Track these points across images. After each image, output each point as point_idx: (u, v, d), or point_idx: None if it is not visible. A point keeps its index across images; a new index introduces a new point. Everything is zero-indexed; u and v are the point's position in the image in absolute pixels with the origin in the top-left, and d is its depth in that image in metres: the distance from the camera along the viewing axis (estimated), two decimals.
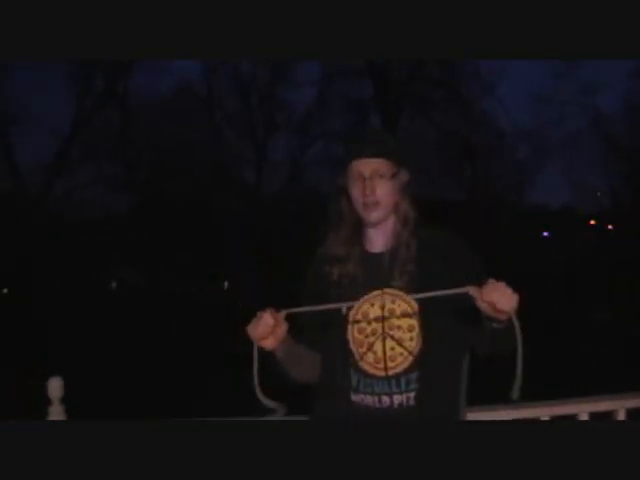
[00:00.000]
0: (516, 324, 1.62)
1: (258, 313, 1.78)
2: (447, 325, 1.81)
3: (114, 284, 25.09)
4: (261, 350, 1.78)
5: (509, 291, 1.62)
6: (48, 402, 2.55)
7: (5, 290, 19.84)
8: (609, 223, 25.21)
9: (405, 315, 1.84)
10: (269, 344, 1.79)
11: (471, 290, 1.64)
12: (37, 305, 16.77)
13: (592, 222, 26.37)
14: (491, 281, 1.64)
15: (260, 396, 1.75)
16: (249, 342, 1.77)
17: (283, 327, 1.79)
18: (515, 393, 1.63)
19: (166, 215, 20.67)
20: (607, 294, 18.84)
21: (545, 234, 25.88)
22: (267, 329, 1.76)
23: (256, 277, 20.30)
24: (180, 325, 15.60)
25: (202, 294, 23.19)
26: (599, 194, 24.54)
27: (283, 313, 1.78)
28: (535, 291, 17.96)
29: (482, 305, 1.64)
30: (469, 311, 1.69)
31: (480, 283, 1.69)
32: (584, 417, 2.71)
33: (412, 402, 1.82)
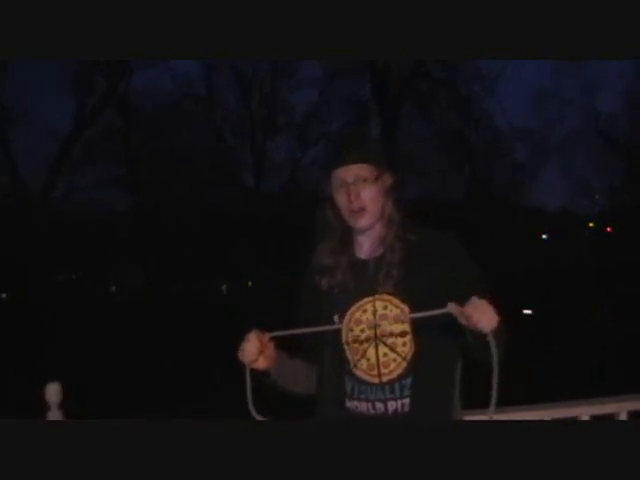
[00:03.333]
0: (492, 344, 1.58)
1: (245, 336, 1.79)
2: (440, 329, 1.78)
3: (114, 287, 25.06)
4: (254, 371, 1.80)
5: (490, 311, 1.60)
6: (46, 407, 2.54)
7: (4, 294, 19.80)
8: (608, 224, 25.19)
9: (397, 320, 1.82)
10: (261, 365, 1.82)
11: (453, 309, 1.62)
12: (36, 308, 16.74)
13: (591, 224, 26.34)
14: (474, 299, 1.61)
15: (255, 416, 1.76)
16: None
17: (270, 347, 1.82)
18: (491, 410, 1.61)
19: (166, 215, 20.68)
20: (607, 296, 18.83)
21: (544, 236, 25.86)
22: (255, 351, 1.79)
23: (255, 278, 20.32)
24: (180, 327, 15.58)
25: (202, 295, 23.18)
26: (597, 197, 24.56)
27: (268, 335, 1.80)
28: (533, 293, 17.98)
29: (463, 322, 1.62)
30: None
31: (474, 290, 1.68)
32: (585, 419, 2.69)
33: (406, 409, 1.80)
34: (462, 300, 1.62)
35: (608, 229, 25.17)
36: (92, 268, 21.37)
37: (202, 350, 12.60)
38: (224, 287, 25.28)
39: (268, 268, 19.87)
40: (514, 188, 22.60)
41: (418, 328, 1.79)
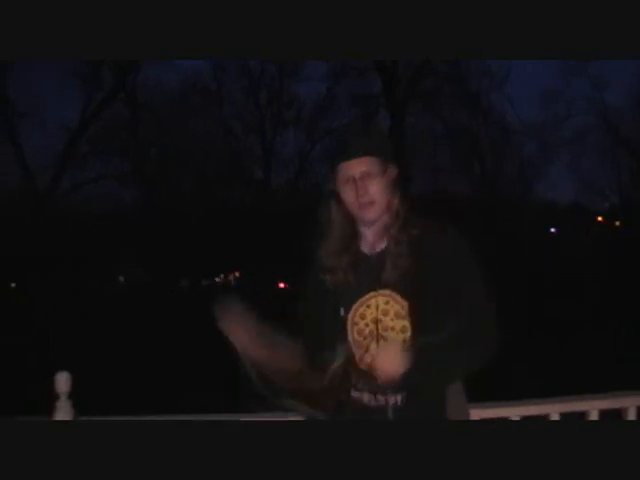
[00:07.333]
0: None
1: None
2: (440, 328, 1.80)
3: (122, 279, 25.13)
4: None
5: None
6: (55, 397, 2.55)
7: (13, 284, 19.89)
8: (617, 219, 25.08)
9: (398, 316, 1.84)
10: (239, 335, 1.85)
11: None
12: (44, 300, 16.81)
13: (600, 219, 26.23)
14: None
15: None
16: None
17: (250, 316, 1.84)
18: None
19: (173, 210, 20.69)
20: (615, 291, 18.74)
21: (552, 230, 25.76)
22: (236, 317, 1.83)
23: (263, 273, 20.33)
24: (188, 321, 15.60)
25: (208, 290, 23.22)
26: (607, 192, 24.46)
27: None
28: (542, 288, 17.92)
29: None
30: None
31: (472, 282, 1.79)
32: (593, 415, 2.69)
33: (403, 402, 1.84)
34: (460, 297, 1.76)
35: (617, 223, 25.05)
36: (99, 262, 21.40)
37: (210, 345, 12.61)
38: (232, 281, 25.30)
39: (275, 263, 19.86)
40: (522, 184, 22.51)
41: (418, 324, 1.82)
